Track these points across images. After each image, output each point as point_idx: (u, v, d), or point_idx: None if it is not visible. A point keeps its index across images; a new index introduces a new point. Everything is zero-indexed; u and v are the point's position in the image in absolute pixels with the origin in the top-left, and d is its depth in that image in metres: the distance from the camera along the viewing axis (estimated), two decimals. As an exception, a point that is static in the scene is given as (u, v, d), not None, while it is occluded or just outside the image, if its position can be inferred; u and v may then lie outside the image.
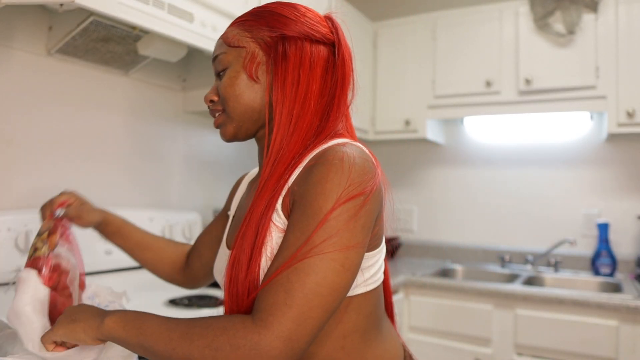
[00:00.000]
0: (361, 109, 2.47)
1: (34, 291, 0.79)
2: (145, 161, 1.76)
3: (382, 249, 0.77)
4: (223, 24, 1.44)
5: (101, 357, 0.75)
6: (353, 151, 0.68)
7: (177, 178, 1.90)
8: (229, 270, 0.70)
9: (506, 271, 2.35)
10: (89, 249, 1.43)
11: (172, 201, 1.87)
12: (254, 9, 0.82)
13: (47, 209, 0.96)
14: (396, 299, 2.05)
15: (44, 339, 0.73)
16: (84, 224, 1.02)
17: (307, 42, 0.76)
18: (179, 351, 0.60)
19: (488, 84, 2.26)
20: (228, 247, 0.85)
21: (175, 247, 1.08)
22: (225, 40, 0.80)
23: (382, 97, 2.57)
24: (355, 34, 2.40)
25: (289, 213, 0.68)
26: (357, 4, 2.53)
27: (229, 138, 0.81)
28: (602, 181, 2.37)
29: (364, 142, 2.81)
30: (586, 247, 2.37)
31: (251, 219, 0.70)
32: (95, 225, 1.04)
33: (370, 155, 0.73)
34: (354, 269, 0.64)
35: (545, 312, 1.84)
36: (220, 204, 2.08)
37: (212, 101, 0.82)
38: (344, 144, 0.70)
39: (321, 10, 0.83)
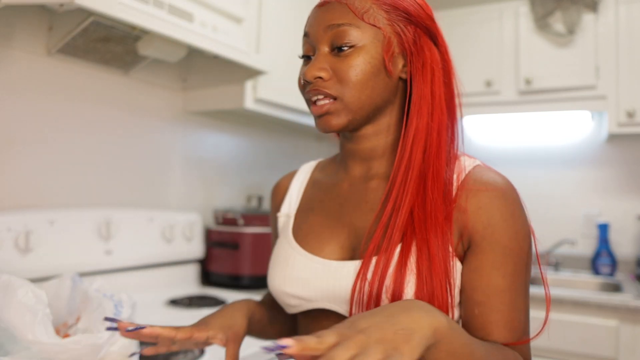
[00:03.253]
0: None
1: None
2: (146, 161, 1.76)
3: None
4: (223, 24, 1.44)
5: (102, 354, 0.76)
6: (505, 176, 0.66)
7: (177, 178, 1.90)
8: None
9: (506, 271, 2.35)
10: (89, 248, 1.43)
11: (172, 201, 1.87)
12: None
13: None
14: (396, 299, 2.05)
15: None
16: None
17: (431, 41, 0.68)
18: None
19: (488, 83, 2.26)
20: (308, 251, 0.70)
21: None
22: (354, 10, 0.64)
23: (382, 97, 2.57)
24: (355, 34, 2.39)
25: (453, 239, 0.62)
26: (357, 4, 2.53)
27: (338, 129, 0.66)
28: (602, 181, 2.37)
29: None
30: (586, 247, 2.37)
31: (428, 251, 0.60)
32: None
33: None
34: None
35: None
36: (220, 204, 2.08)
37: (320, 78, 0.65)
38: (486, 167, 0.67)
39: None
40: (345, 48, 0.64)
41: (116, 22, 1.30)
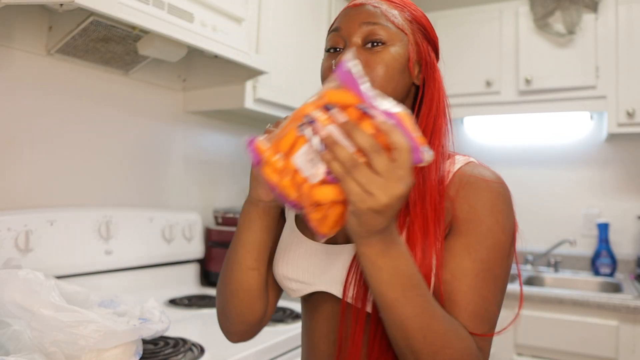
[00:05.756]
0: (361, 109, 2.47)
1: None
2: (145, 161, 1.76)
3: None
4: (223, 24, 1.44)
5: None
6: (496, 173, 0.70)
7: (177, 178, 1.90)
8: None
9: (506, 271, 2.35)
10: (89, 248, 1.43)
11: (172, 201, 1.87)
12: (411, 3, 0.76)
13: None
14: (396, 299, 2.05)
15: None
16: None
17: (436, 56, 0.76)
18: (417, 345, 0.58)
19: (488, 84, 2.26)
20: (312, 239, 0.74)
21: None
22: (387, 16, 0.71)
23: (382, 97, 2.57)
24: (355, 34, 2.39)
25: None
26: (357, 4, 2.53)
27: None
28: (602, 181, 2.37)
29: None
30: (586, 247, 2.37)
31: (416, 232, 0.64)
32: None
33: None
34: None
35: (545, 312, 1.84)
36: (220, 204, 2.08)
37: None
38: (479, 163, 0.72)
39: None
40: (378, 44, 0.69)
41: (116, 22, 1.30)
